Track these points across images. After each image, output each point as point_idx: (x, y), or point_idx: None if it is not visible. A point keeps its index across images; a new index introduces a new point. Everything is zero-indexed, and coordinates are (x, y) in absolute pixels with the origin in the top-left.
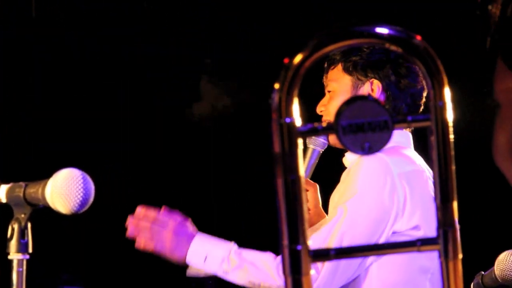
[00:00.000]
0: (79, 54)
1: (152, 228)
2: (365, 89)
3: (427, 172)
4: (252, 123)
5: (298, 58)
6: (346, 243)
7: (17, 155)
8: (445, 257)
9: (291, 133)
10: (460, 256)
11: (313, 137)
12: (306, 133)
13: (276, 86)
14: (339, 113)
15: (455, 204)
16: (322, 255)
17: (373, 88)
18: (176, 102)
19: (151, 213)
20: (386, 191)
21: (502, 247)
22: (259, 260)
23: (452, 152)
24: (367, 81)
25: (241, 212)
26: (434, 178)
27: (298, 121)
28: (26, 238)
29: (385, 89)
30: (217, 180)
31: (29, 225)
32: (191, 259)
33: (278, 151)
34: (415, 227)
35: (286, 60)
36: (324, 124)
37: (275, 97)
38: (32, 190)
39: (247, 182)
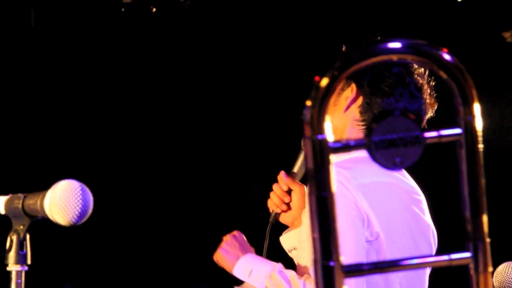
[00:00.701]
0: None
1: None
2: (342, 98)
3: (401, 184)
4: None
5: (324, 81)
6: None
7: (13, 166)
8: (475, 270)
9: (323, 150)
10: (490, 269)
11: None
12: (338, 150)
13: (308, 103)
14: (370, 129)
15: (485, 218)
16: (355, 271)
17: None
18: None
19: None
20: (352, 210)
21: (501, 259)
22: (293, 278)
23: (482, 166)
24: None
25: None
26: (463, 191)
27: (330, 137)
28: (24, 249)
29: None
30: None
31: (27, 236)
32: (237, 272)
33: (310, 167)
34: (376, 238)
35: (317, 78)
36: (356, 140)
37: (307, 114)
38: (31, 202)
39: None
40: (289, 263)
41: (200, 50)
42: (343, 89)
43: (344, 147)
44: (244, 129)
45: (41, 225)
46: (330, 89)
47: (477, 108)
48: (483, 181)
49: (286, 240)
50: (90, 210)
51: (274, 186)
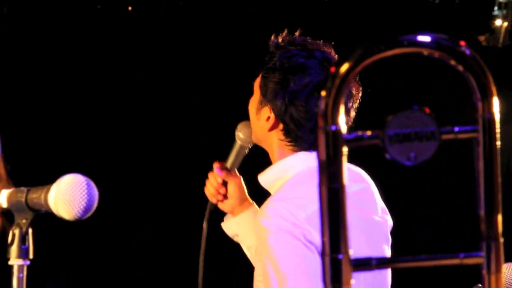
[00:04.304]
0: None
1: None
2: (263, 116)
3: (355, 187)
4: None
5: (344, 67)
6: None
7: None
8: (488, 270)
9: (336, 141)
10: (503, 270)
11: (241, 135)
12: (351, 141)
13: (323, 94)
14: (385, 122)
15: (499, 217)
16: (364, 264)
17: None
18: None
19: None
20: (300, 249)
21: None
22: None
23: (498, 165)
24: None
25: None
26: (478, 189)
27: (343, 129)
28: (27, 243)
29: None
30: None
31: (30, 230)
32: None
33: (322, 159)
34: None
35: (332, 69)
36: (369, 133)
37: (322, 105)
38: (35, 196)
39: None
40: (235, 247)
41: (184, 46)
42: (261, 105)
43: (358, 138)
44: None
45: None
46: (345, 79)
47: (496, 105)
48: (499, 179)
49: (228, 227)
50: (95, 205)
51: (210, 176)
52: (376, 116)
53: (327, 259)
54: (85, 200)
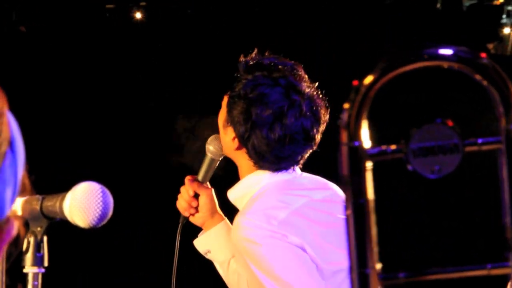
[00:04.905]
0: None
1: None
2: (229, 134)
3: (315, 196)
4: None
5: (367, 81)
6: None
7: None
8: None
9: (360, 156)
10: None
11: (211, 148)
12: (375, 156)
13: (346, 106)
14: (409, 136)
15: None
16: (392, 278)
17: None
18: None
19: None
20: (291, 249)
21: None
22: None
23: None
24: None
25: None
26: (503, 198)
27: (367, 144)
28: (42, 251)
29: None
30: None
31: (45, 238)
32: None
33: (346, 174)
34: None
35: (355, 82)
36: (393, 147)
37: (344, 119)
38: (50, 203)
39: None
40: (207, 264)
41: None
42: (227, 123)
43: (381, 153)
44: None
45: None
46: (368, 93)
47: None
48: None
49: (200, 244)
50: (110, 213)
51: (182, 189)
52: (397, 129)
53: (355, 274)
54: (100, 208)
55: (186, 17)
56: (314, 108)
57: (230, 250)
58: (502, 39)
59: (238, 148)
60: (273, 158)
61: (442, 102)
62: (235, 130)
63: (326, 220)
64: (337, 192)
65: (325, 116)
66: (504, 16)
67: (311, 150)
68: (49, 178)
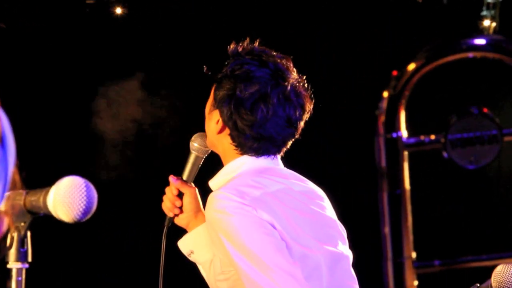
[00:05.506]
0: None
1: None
2: (214, 118)
3: (296, 188)
4: None
5: (407, 70)
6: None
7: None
8: None
9: (398, 147)
10: (504, 270)
11: (195, 144)
12: (413, 146)
13: (385, 94)
14: (447, 127)
15: None
16: (427, 266)
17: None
18: None
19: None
20: (261, 223)
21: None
22: None
23: None
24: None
25: None
26: None
27: (404, 134)
28: (25, 247)
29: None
30: None
31: (28, 233)
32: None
33: (383, 165)
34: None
35: (394, 72)
36: (432, 137)
37: (382, 110)
38: (33, 198)
39: None
40: (193, 265)
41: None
42: (213, 107)
43: (419, 143)
44: None
45: None
46: (407, 84)
47: None
48: None
49: (183, 244)
50: (94, 207)
51: (166, 190)
52: (434, 119)
53: (390, 263)
54: (84, 202)
55: (171, 13)
56: (299, 95)
57: (213, 250)
58: (482, 32)
59: (221, 131)
60: (254, 136)
61: (479, 92)
62: (220, 112)
63: (301, 208)
64: (317, 192)
65: (309, 106)
66: (484, 8)
67: (293, 139)
68: (40, 175)
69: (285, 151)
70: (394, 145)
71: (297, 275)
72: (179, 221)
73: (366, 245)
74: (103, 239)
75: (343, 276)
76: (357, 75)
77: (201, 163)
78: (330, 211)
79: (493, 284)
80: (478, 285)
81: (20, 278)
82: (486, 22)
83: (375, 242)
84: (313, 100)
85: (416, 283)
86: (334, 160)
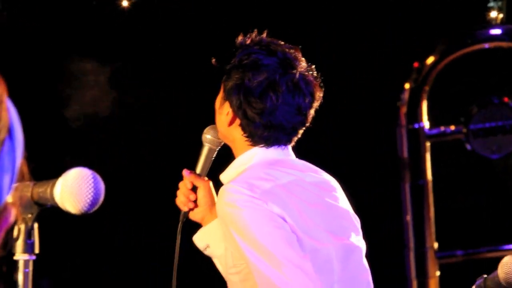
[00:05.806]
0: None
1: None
2: (224, 110)
3: (307, 179)
4: None
5: (428, 62)
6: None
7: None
8: None
9: (420, 137)
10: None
11: (208, 136)
12: (434, 137)
13: (407, 86)
14: (469, 117)
15: None
16: (449, 256)
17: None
18: None
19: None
20: (271, 217)
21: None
22: None
23: None
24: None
25: None
26: None
27: (426, 125)
28: (32, 238)
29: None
30: None
31: (35, 225)
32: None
33: (405, 156)
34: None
35: (416, 64)
36: (453, 128)
37: (405, 99)
38: (40, 190)
39: None
40: (207, 261)
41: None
42: (224, 100)
43: (441, 134)
44: None
45: None
46: (428, 75)
47: None
48: None
49: (199, 239)
50: (101, 199)
51: (180, 184)
52: (455, 110)
53: (412, 253)
54: (92, 193)
55: (178, 8)
56: (308, 83)
57: (225, 243)
58: (489, 23)
59: (232, 122)
60: (264, 124)
61: (498, 82)
62: (229, 103)
63: (312, 199)
64: (330, 182)
65: (318, 95)
66: None
67: (303, 127)
68: (48, 166)
69: (308, 143)
70: (416, 135)
71: (307, 269)
72: (194, 215)
73: (388, 235)
74: (112, 234)
75: (356, 268)
76: (379, 68)
77: (214, 156)
78: (343, 201)
79: (500, 275)
80: (485, 275)
81: (27, 270)
82: (493, 13)
83: (398, 232)
84: (323, 89)
85: (438, 273)
86: (358, 151)
